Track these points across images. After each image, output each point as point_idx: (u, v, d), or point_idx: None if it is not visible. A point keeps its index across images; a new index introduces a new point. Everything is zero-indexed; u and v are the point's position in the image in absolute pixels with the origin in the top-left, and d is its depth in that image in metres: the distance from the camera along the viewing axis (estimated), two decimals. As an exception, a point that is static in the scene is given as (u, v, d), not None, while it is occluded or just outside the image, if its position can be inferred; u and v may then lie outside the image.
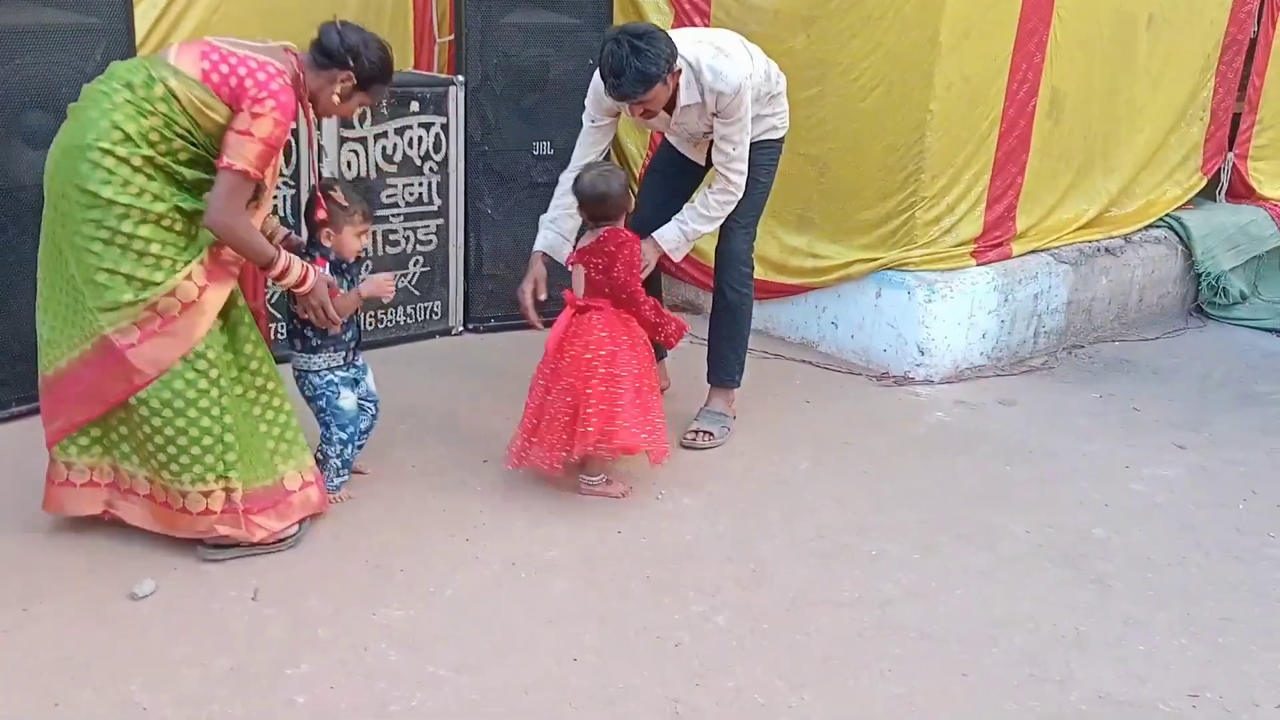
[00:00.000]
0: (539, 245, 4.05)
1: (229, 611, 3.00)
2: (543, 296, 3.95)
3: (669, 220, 4.02)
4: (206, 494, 3.14)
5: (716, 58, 3.83)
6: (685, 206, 4.04)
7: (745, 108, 3.87)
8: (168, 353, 3.05)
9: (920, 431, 4.48)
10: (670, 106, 3.88)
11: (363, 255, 3.78)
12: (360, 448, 3.72)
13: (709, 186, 4.02)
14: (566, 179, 4.00)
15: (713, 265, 4.31)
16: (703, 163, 4.26)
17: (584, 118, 4.08)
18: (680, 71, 3.78)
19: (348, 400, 3.59)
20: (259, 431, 3.29)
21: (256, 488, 3.23)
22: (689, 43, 3.87)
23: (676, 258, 4.07)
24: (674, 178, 4.30)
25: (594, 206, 3.72)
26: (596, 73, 3.83)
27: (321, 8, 5.19)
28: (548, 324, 3.84)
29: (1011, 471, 4.14)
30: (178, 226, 3.07)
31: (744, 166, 3.95)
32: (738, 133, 3.90)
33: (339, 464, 3.61)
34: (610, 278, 3.69)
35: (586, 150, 4.08)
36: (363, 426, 3.68)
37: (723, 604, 3.15)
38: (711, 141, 4.05)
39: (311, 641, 2.89)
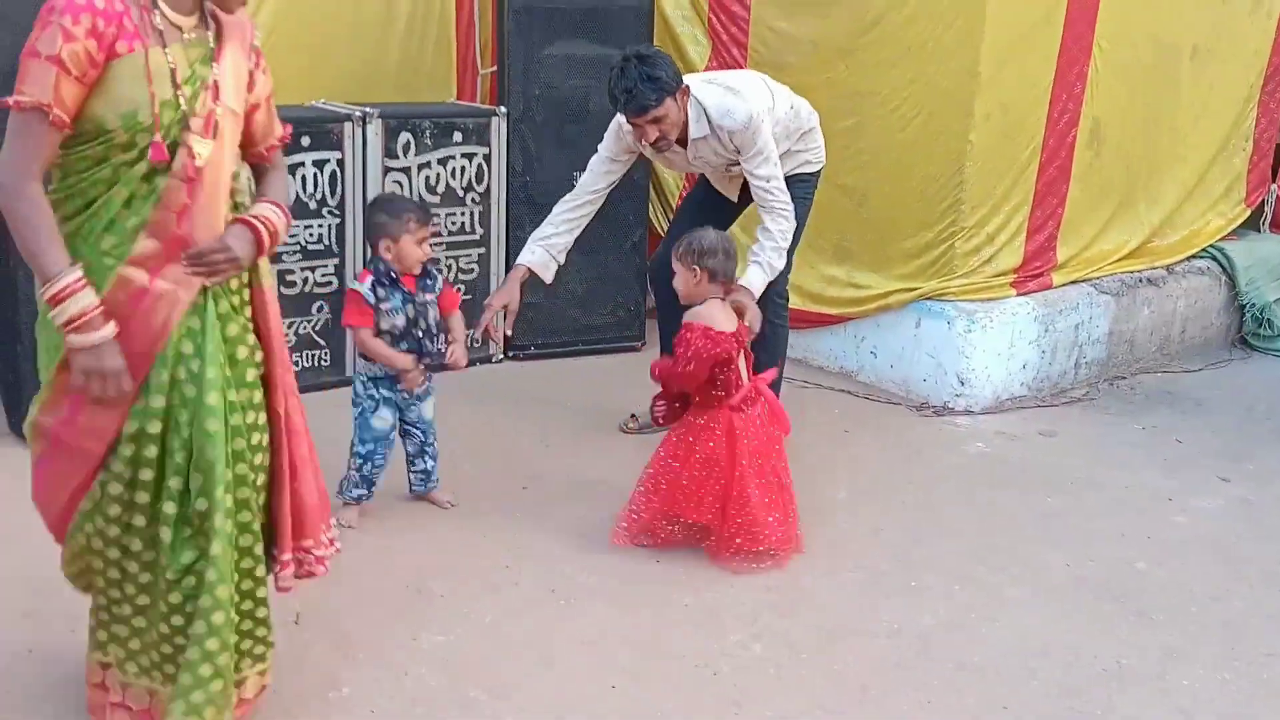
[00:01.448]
0: (525, 259, 4.06)
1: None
2: (509, 332, 4.08)
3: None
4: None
5: (725, 96, 3.91)
6: (754, 247, 4.00)
7: (764, 138, 3.90)
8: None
9: (960, 462, 4.46)
10: (683, 140, 3.92)
11: (435, 263, 3.68)
12: (422, 476, 3.76)
13: (761, 225, 4.02)
14: (567, 201, 4.13)
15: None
16: (735, 199, 4.29)
17: (600, 148, 4.14)
18: (689, 91, 3.84)
19: (381, 420, 3.60)
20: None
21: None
22: (698, 84, 3.95)
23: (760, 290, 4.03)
24: (710, 208, 4.34)
25: (732, 258, 3.53)
26: (619, 114, 3.90)
27: (368, 42, 5.34)
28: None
29: (1052, 503, 4.12)
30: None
31: (781, 192, 3.97)
32: (760, 166, 3.93)
33: (357, 477, 3.62)
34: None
35: (598, 180, 4.14)
36: (409, 451, 3.70)
37: (761, 632, 3.15)
38: (744, 178, 4.09)
39: (352, 664, 2.92)
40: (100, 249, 2.27)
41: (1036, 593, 3.48)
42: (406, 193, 4.87)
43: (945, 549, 3.72)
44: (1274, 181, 6.38)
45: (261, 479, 2.50)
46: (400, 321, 3.52)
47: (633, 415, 4.54)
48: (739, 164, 4.01)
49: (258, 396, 2.48)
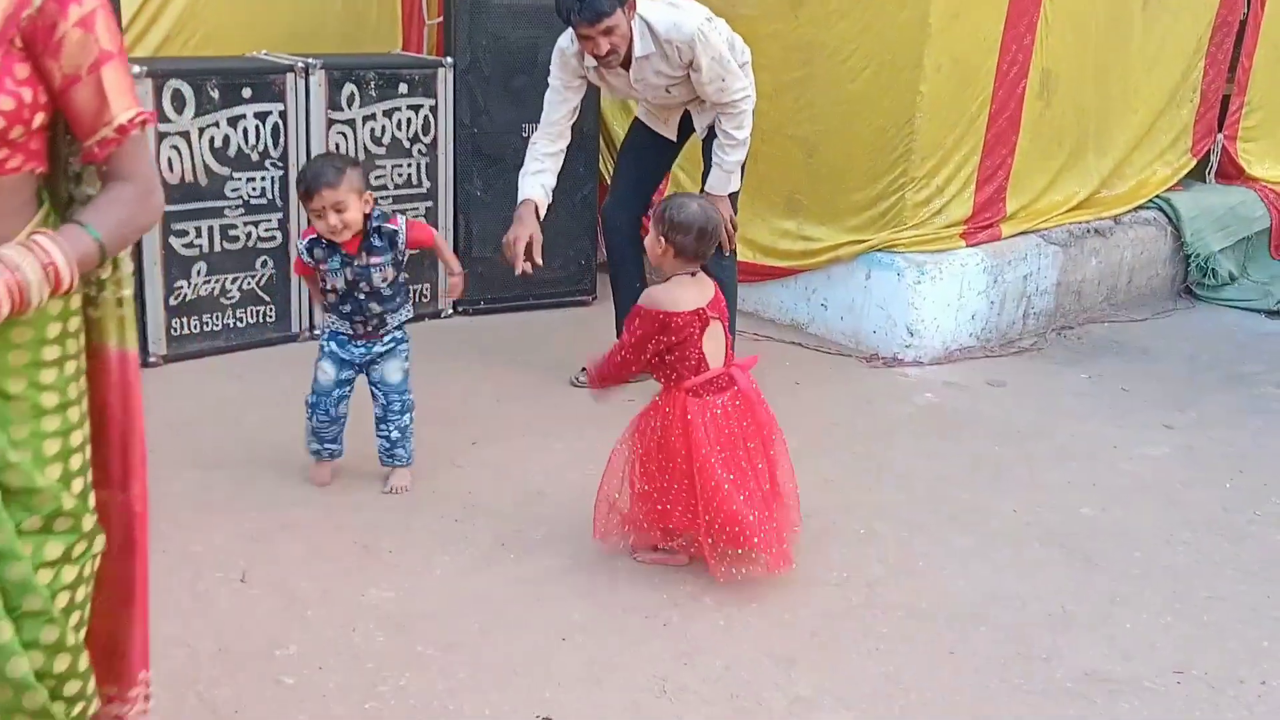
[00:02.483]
0: (531, 194, 4.04)
1: (216, 593, 3.00)
2: (540, 260, 4.00)
3: (644, 197, 4.11)
4: None
5: (669, 11, 3.93)
6: (713, 146, 4.08)
7: (714, 44, 3.92)
8: None
9: (909, 412, 4.48)
10: (627, 63, 3.91)
11: (380, 219, 3.43)
12: (384, 446, 3.58)
13: (718, 118, 4.04)
14: (542, 139, 4.11)
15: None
16: (674, 137, 4.27)
17: (550, 81, 4.14)
18: (634, 6, 3.85)
19: (323, 374, 3.50)
20: None
21: None
22: (642, 3, 3.94)
23: (732, 188, 4.11)
24: (648, 156, 4.33)
25: (706, 240, 3.12)
26: (561, 37, 3.95)
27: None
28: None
29: (1000, 452, 4.15)
30: None
31: (741, 95, 4.00)
32: (715, 71, 3.93)
33: (307, 431, 3.56)
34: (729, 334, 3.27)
35: (557, 110, 4.13)
36: (375, 415, 3.57)
37: (710, 583, 3.15)
38: (684, 113, 4.14)
39: (300, 622, 2.89)
40: None
41: (984, 540, 3.51)
42: (351, 146, 4.79)
43: (894, 498, 3.74)
44: (1220, 132, 6.42)
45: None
46: (339, 283, 3.43)
47: (584, 369, 4.49)
48: (679, 85, 4.00)
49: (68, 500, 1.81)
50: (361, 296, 3.45)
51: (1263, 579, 3.37)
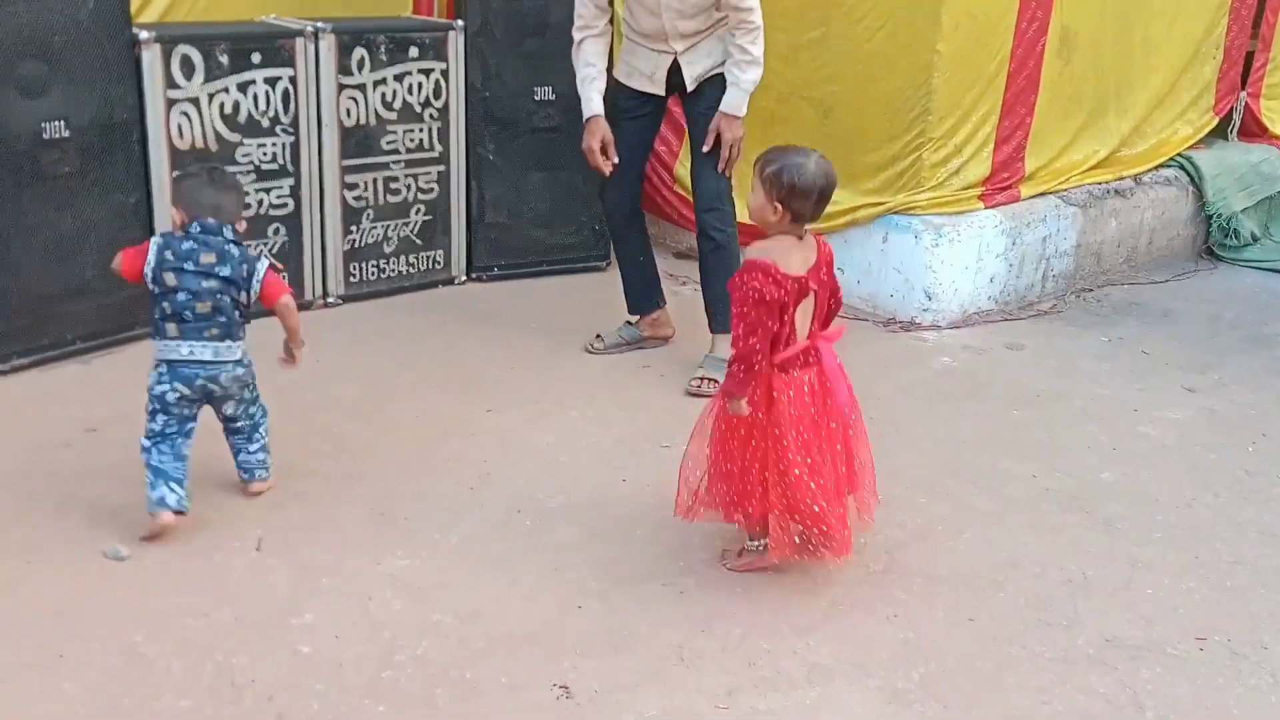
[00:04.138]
0: (596, 111, 4.11)
1: (232, 563, 2.99)
2: (615, 158, 4.12)
3: (637, 171, 4.24)
4: None
5: None
6: (728, 65, 4.05)
7: None
8: None
9: (927, 376, 4.44)
10: None
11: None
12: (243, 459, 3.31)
13: (732, 34, 4.01)
14: (588, 39, 4.13)
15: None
16: (661, 90, 4.20)
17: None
18: None
19: (154, 385, 3.09)
20: None
21: None
22: None
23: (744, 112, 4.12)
24: (631, 130, 4.28)
25: (825, 202, 2.92)
26: None
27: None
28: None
29: (1019, 415, 4.11)
30: None
31: (755, 14, 3.98)
32: None
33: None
34: (836, 299, 3.05)
35: (596, 16, 4.13)
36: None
37: (726, 550, 3.13)
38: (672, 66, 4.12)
39: (316, 591, 2.89)
40: None
41: (1003, 505, 3.48)
42: (362, 111, 4.74)
43: (912, 462, 3.71)
44: (1243, 89, 6.32)
45: None
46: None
47: (598, 335, 4.48)
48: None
49: None
50: None
51: (1286, 543, 3.34)
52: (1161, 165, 5.95)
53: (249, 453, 3.28)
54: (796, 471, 2.85)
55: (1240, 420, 4.16)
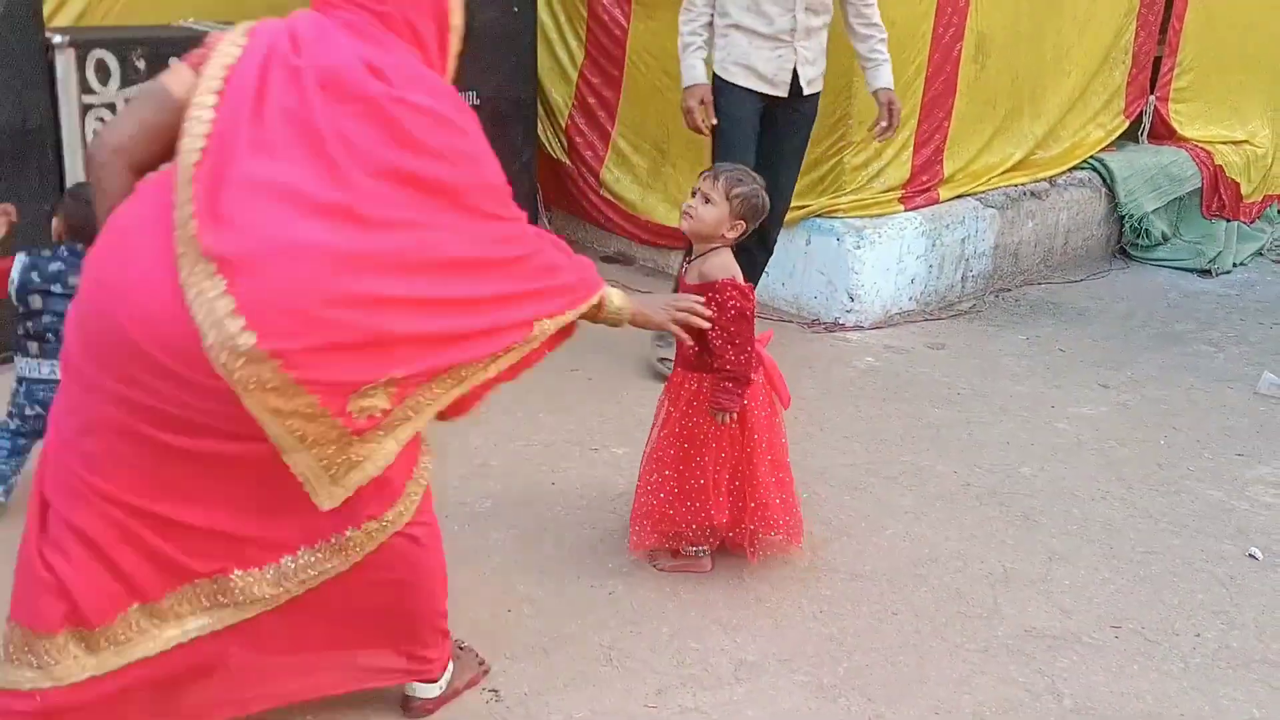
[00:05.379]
0: (698, 80, 4.20)
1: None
2: (714, 119, 4.20)
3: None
4: None
5: None
6: (867, 54, 4.36)
7: None
8: None
9: (850, 376, 4.51)
10: None
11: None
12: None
13: (871, 25, 4.32)
14: (700, 20, 4.22)
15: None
16: (784, 93, 4.26)
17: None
18: None
19: (13, 398, 3.12)
20: None
21: None
22: None
23: None
24: (756, 133, 4.31)
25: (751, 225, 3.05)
26: None
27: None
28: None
29: (940, 414, 4.19)
30: None
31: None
32: None
33: None
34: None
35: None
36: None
37: (656, 551, 3.15)
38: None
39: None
40: None
41: (925, 501, 3.55)
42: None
43: (836, 461, 3.77)
44: (1152, 93, 6.50)
45: None
46: None
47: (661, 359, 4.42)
48: None
49: None
50: None
51: (1196, 532, 3.44)
52: (1075, 167, 6.11)
53: None
54: (763, 476, 3.00)
55: (1152, 415, 4.28)
